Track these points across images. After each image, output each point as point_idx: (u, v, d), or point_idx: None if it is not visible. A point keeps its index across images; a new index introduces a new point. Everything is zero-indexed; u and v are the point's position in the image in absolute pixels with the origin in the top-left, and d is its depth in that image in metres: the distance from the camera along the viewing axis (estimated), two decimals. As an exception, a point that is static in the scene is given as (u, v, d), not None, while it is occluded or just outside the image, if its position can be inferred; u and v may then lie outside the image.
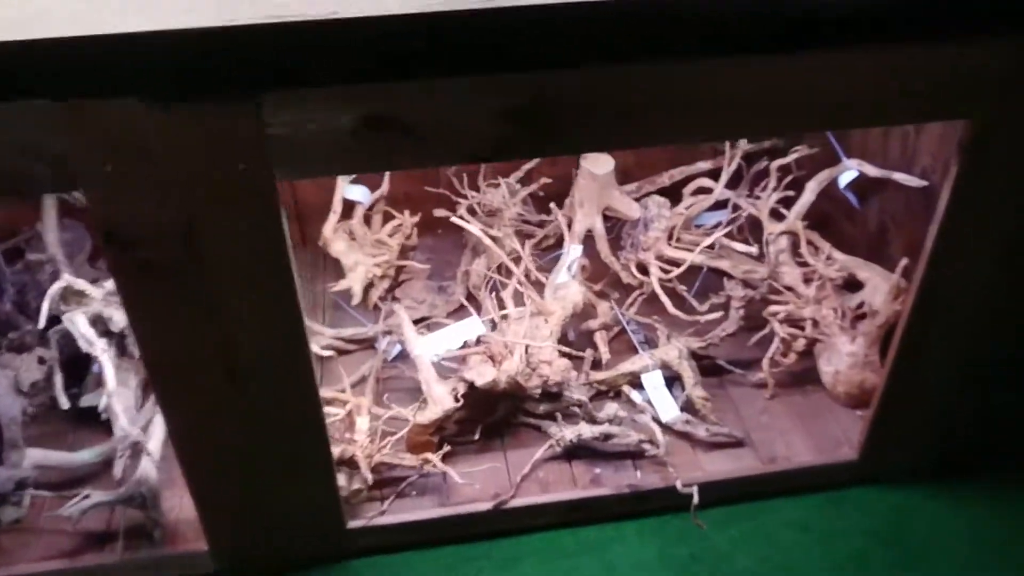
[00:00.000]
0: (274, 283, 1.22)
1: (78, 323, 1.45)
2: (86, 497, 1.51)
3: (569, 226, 2.08)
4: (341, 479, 1.55)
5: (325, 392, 1.63)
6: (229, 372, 1.29)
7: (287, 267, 1.21)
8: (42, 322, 1.43)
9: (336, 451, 1.53)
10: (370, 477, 1.55)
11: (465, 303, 1.88)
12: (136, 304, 1.21)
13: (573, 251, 2.00)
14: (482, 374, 1.62)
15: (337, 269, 2.04)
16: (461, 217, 1.81)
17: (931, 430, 1.64)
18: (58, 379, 1.55)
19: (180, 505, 1.59)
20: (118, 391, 1.50)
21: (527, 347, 1.67)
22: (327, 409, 1.61)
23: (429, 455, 1.58)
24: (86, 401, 1.69)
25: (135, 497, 1.52)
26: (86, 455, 1.63)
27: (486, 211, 2.15)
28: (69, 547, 1.55)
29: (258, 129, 1.06)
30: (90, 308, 1.51)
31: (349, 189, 1.99)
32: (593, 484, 1.65)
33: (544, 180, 2.15)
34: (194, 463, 1.40)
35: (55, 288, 1.44)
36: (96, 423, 1.69)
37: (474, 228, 1.62)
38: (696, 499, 1.55)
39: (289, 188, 2.18)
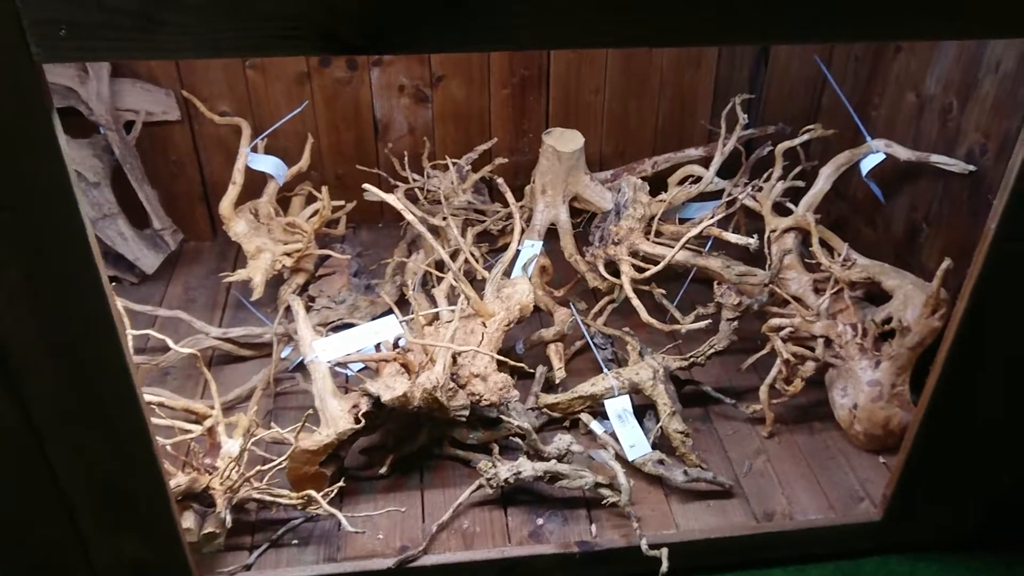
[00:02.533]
0: (55, 229, 0.84)
1: None
2: None
3: (528, 218, 1.70)
4: (188, 520, 1.15)
5: (174, 402, 1.24)
6: None
7: (68, 193, 0.83)
8: None
9: (182, 481, 1.13)
10: (228, 518, 1.15)
11: (392, 305, 1.49)
12: None
13: (531, 247, 1.62)
14: (391, 387, 1.23)
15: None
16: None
17: (976, 487, 1.26)
18: None
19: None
20: None
21: (455, 355, 1.28)
22: (176, 425, 1.22)
23: (313, 492, 1.19)
24: None
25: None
26: None
27: (430, 198, 1.78)
28: None
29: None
30: None
31: (255, 159, 1.62)
32: (532, 540, 1.26)
33: (499, 161, 1.79)
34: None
35: None
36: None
37: (397, 203, 1.24)
38: (665, 565, 1.15)
39: (195, 161, 1.82)
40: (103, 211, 1.66)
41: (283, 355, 1.54)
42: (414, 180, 1.80)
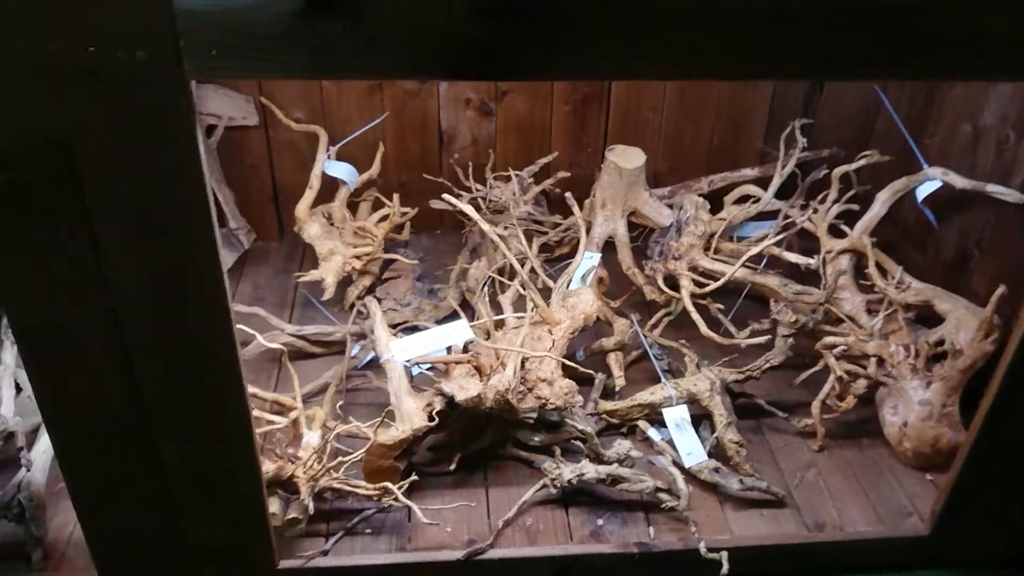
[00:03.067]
0: (186, 227, 0.91)
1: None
2: (-51, 502, 1.20)
3: (588, 230, 1.76)
4: (274, 505, 1.22)
5: (264, 394, 1.31)
6: (116, 350, 0.97)
7: (204, 207, 0.90)
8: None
9: (270, 468, 1.21)
10: (311, 505, 1.22)
11: (458, 309, 1.56)
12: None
13: (589, 259, 1.68)
14: (465, 388, 1.30)
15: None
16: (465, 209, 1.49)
17: (1025, 506, 1.30)
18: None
19: (72, 522, 1.27)
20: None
21: (523, 359, 1.35)
22: (263, 416, 1.29)
23: (389, 484, 1.25)
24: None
25: (11, 506, 1.20)
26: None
27: (492, 208, 1.85)
28: (-74, 563, 1.23)
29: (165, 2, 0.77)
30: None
31: (331, 165, 1.69)
32: (593, 539, 1.31)
33: (561, 175, 1.85)
34: (77, 473, 1.08)
35: None
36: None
37: (475, 214, 1.31)
38: (727, 567, 1.20)
39: (268, 165, 1.90)
40: (183, 210, 1.74)
41: (352, 353, 1.61)
42: (476, 190, 1.87)
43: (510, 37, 0.83)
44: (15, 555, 1.23)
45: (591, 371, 1.47)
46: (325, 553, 1.26)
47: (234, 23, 0.79)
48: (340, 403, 1.52)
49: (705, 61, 0.87)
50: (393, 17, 0.80)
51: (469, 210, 1.34)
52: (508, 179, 1.86)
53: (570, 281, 1.60)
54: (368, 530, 1.31)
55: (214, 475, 1.10)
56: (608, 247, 1.76)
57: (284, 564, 1.23)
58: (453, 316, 1.63)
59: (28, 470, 1.19)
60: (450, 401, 1.30)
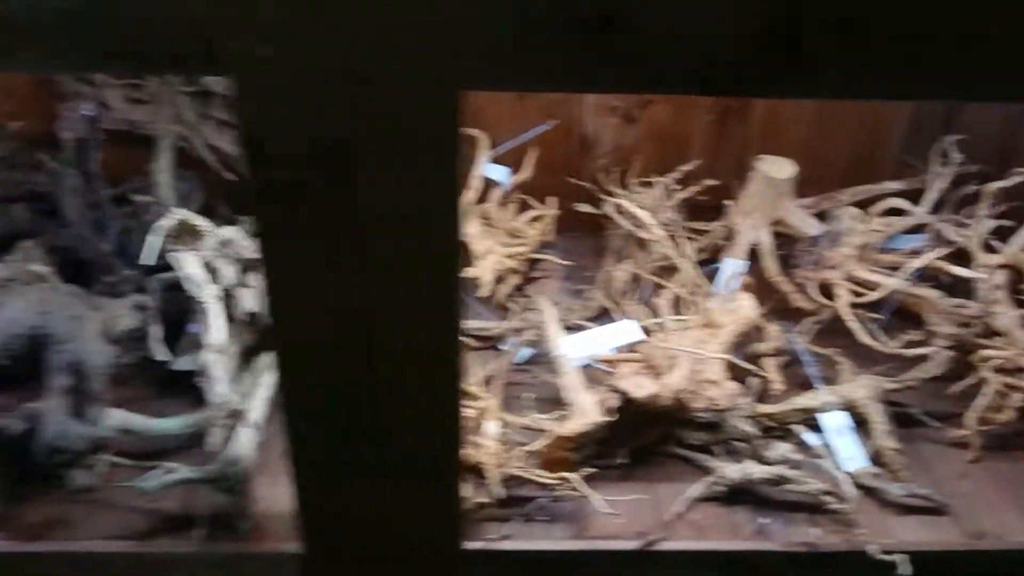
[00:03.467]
0: (438, 241, 0.98)
1: (187, 262, 1.24)
2: (169, 471, 1.30)
3: (734, 238, 1.81)
4: (466, 490, 1.29)
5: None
6: (364, 342, 1.05)
7: (454, 223, 0.98)
8: (147, 257, 1.23)
9: (463, 455, 1.28)
10: (500, 491, 1.29)
11: (609, 308, 1.62)
12: (272, 243, 0.99)
13: (734, 266, 1.73)
14: (640, 386, 1.36)
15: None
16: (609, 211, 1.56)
17: None
18: (155, 329, 1.34)
19: (272, 495, 1.36)
20: (217, 357, 1.28)
21: (696, 360, 1.40)
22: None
23: (570, 474, 1.32)
24: (180, 364, 1.47)
25: (225, 478, 1.29)
26: (173, 423, 1.41)
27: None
28: (140, 527, 1.33)
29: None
30: (199, 253, 1.30)
31: (490, 168, 1.77)
32: (759, 536, 1.36)
33: (709, 182, 1.90)
34: (303, 450, 1.17)
35: (169, 221, 1.23)
36: (185, 393, 1.48)
37: (641, 214, 1.37)
38: (909, 569, 1.24)
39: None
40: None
41: (507, 348, 1.68)
42: (619, 196, 1.92)
43: (766, 60, 0.88)
44: (222, 524, 1.32)
45: (759, 373, 1.52)
46: (506, 538, 1.33)
47: (509, 36, 0.86)
48: (501, 396, 1.59)
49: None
50: (664, 32, 0.86)
51: (642, 213, 1.40)
52: (650, 185, 1.91)
53: (721, 287, 1.65)
54: (543, 517, 1.37)
55: (427, 461, 1.18)
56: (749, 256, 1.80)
57: (468, 545, 1.30)
58: (602, 316, 1.70)
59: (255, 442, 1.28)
60: (626, 398, 1.36)
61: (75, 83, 1.77)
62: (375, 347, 1.07)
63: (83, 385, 1.27)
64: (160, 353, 1.33)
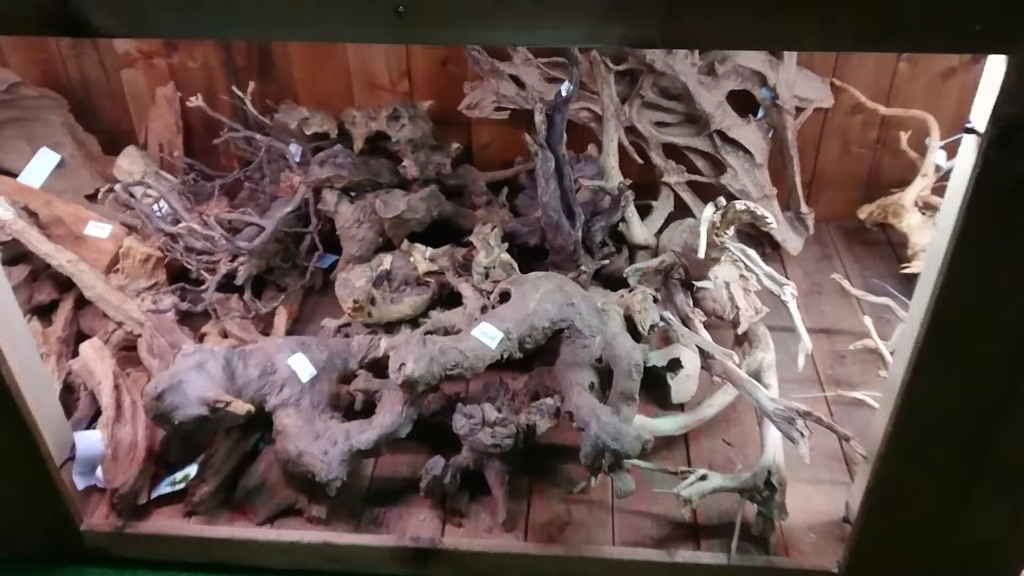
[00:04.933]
0: None
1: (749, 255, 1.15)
2: (703, 478, 1.22)
3: None
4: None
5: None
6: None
7: None
8: (701, 250, 1.14)
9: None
10: None
11: None
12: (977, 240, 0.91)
13: None
14: None
15: (871, 255, 1.70)
16: None
17: None
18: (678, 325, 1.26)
19: (793, 506, 1.26)
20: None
21: None
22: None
23: None
24: (655, 360, 1.40)
25: (761, 488, 1.21)
26: (668, 424, 1.35)
27: None
28: (653, 533, 1.27)
29: None
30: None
31: (940, 155, 1.62)
32: None
33: None
34: (895, 463, 1.07)
35: (713, 213, 1.13)
36: (655, 390, 1.43)
37: None
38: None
39: (813, 150, 1.85)
40: (763, 191, 1.72)
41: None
42: None
43: None
44: (749, 537, 1.24)
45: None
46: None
47: None
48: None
49: None
50: None
51: None
52: None
53: None
54: None
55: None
56: None
57: None
58: None
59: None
60: None
61: (482, 62, 1.72)
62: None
63: (619, 382, 1.20)
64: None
